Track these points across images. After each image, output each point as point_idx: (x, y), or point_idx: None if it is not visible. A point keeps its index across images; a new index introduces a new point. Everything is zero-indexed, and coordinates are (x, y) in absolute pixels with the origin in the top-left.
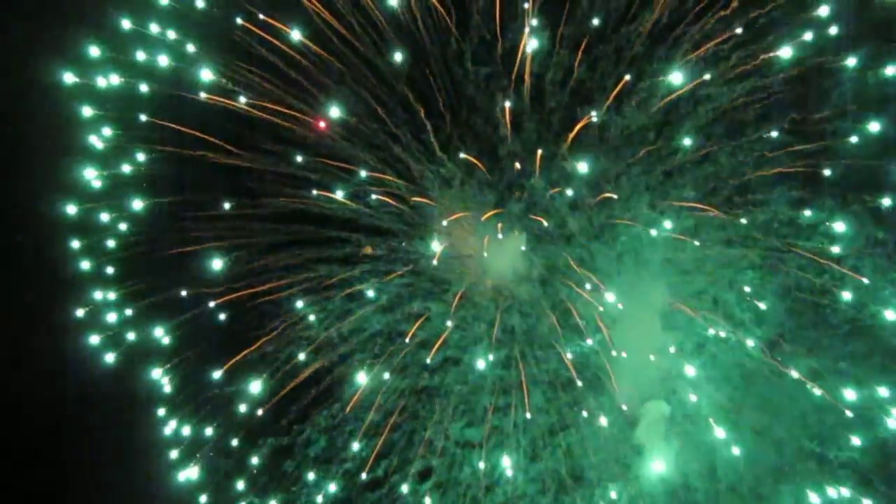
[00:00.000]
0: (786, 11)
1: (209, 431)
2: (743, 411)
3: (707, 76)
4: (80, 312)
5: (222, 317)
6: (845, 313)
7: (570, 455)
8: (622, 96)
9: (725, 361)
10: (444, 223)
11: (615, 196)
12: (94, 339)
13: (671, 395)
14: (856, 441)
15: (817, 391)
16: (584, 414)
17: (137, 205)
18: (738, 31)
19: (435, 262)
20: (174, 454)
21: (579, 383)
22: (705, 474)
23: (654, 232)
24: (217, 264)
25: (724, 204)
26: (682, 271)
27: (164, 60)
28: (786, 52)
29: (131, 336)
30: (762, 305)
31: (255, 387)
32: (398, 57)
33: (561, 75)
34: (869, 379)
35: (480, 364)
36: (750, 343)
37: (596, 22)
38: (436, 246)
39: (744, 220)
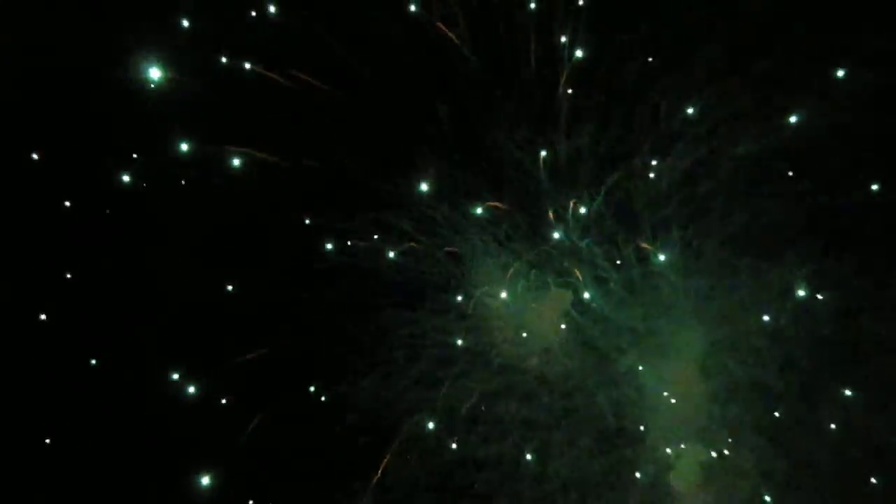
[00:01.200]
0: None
1: None
2: (776, 459)
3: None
4: None
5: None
6: (870, 366)
7: None
8: (654, 152)
9: (759, 407)
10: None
11: (661, 256)
12: None
13: (708, 443)
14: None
15: (844, 437)
16: (623, 465)
17: None
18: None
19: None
20: None
21: (616, 432)
22: None
23: (686, 280)
24: None
25: (753, 254)
26: (713, 318)
27: None
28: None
29: None
30: (793, 352)
31: None
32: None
33: (592, 135)
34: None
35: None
36: (780, 389)
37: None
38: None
39: (771, 270)
